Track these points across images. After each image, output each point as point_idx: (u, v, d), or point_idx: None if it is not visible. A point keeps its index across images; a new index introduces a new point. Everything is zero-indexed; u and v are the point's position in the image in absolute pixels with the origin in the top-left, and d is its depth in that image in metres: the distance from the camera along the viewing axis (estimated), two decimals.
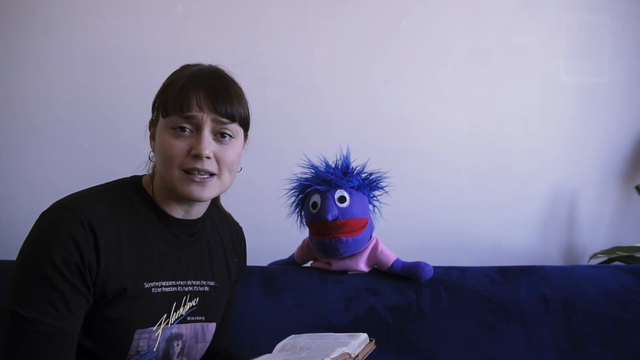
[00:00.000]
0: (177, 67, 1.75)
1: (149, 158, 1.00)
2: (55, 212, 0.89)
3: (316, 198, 1.19)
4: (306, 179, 1.24)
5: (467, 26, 1.80)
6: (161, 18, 1.80)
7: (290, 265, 1.34)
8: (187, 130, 0.92)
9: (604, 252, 1.64)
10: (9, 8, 1.80)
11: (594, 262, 1.64)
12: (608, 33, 1.79)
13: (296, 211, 1.28)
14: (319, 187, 1.20)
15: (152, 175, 1.01)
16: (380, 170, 1.26)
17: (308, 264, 1.32)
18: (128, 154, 1.75)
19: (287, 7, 1.79)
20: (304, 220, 1.27)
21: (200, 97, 0.92)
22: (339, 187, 1.20)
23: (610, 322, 1.19)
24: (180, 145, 0.91)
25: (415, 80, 1.80)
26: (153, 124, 1.00)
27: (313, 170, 1.24)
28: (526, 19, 1.80)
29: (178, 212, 0.99)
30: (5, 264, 1.33)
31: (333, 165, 1.24)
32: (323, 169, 1.23)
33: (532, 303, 1.21)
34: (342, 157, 1.24)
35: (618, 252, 1.62)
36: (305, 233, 1.29)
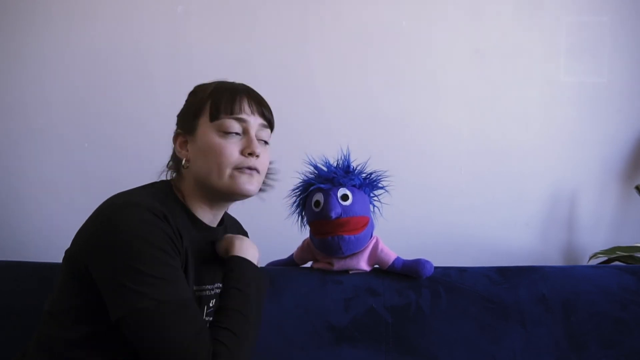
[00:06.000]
0: (177, 67, 1.78)
1: (183, 166, 1.01)
2: (133, 210, 0.87)
3: (319, 197, 1.20)
4: (309, 179, 1.25)
5: (467, 26, 1.80)
6: (161, 18, 1.80)
7: (289, 266, 1.34)
8: (235, 134, 0.98)
9: (604, 252, 1.64)
10: (8, 8, 1.80)
11: (594, 262, 1.64)
12: (608, 33, 1.79)
13: (297, 211, 1.28)
14: (322, 186, 1.20)
15: (176, 181, 1.04)
16: (380, 170, 1.26)
17: (308, 265, 1.32)
18: (128, 153, 1.77)
19: (286, 7, 1.79)
20: (304, 220, 1.27)
21: (250, 102, 1.00)
22: (342, 185, 1.20)
23: (609, 321, 1.18)
24: (231, 147, 0.98)
25: (415, 80, 1.80)
26: (185, 132, 1.02)
27: (315, 170, 1.24)
28: (526, 19, 1.80)
29: (207, 217, 1.04)
30: (6, 264, 1.33)
31: (334, 165, 1.24)
32: (325, 168, 1.23)
33: (531, 303, 1.20)
34: (342, 157, 1.24)
35: (618, 252, 1.62)
36: (305, 234, 1.29)
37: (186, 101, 1.06)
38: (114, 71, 1.80)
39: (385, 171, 1.26)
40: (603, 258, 1.65)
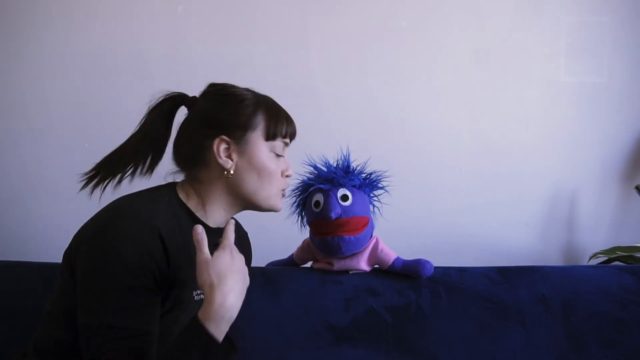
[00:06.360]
0: (177, 67, 1.78)
1: (226, 172, 1.00)
2: (126, 222, 0.88)
3: (319, 197, 1.20)
4: (309, 179, 1.25)
5: (467, 26, 1.80)
6: (161, 18, 1.80)
7: (289, 266, 1.34)
8: (279, 155, 1.04)
9: (604, 252, 1.64)
10: (8, 8, 1.80)
11: (594, 262, 1.64)
12: (608, 33, 1.79)
13: (297, 211, 1.28)
14: (322, 186, 1.20)
15: (190, 182, 1.03)
16: (380, 170, 1.26)
17: (308, 265, 1.32)
18: None
19: (286, 7, 1.79)
20: (304, 220, 1.27)
21: (294, 126, 1.08)
22: (342, 185, 1.20)
23: (609, 321, 1.18)
24: (279, 167, 1.04)
25: (414, 80, 1.80)
26: (232, 140, 1.00)
27: (315, 170, 1.24)
28: (526, 19, 1.80)
29: (218, 220, 1.04)
30: (6, 264, 1.33)
31: (334, 165, 1.24)
32: (325, 169, 1.23)
33: (531, 303, 1.20)
34: (342, 157, 1.25)
35: (618, 252, 1.62)
36: (305, 234, 1.29)
37: (226, 103, 1.02)
38: (114, 71, 1.80)
39: (385, 171, 1.26)
40: (603, 258, 1.66)
